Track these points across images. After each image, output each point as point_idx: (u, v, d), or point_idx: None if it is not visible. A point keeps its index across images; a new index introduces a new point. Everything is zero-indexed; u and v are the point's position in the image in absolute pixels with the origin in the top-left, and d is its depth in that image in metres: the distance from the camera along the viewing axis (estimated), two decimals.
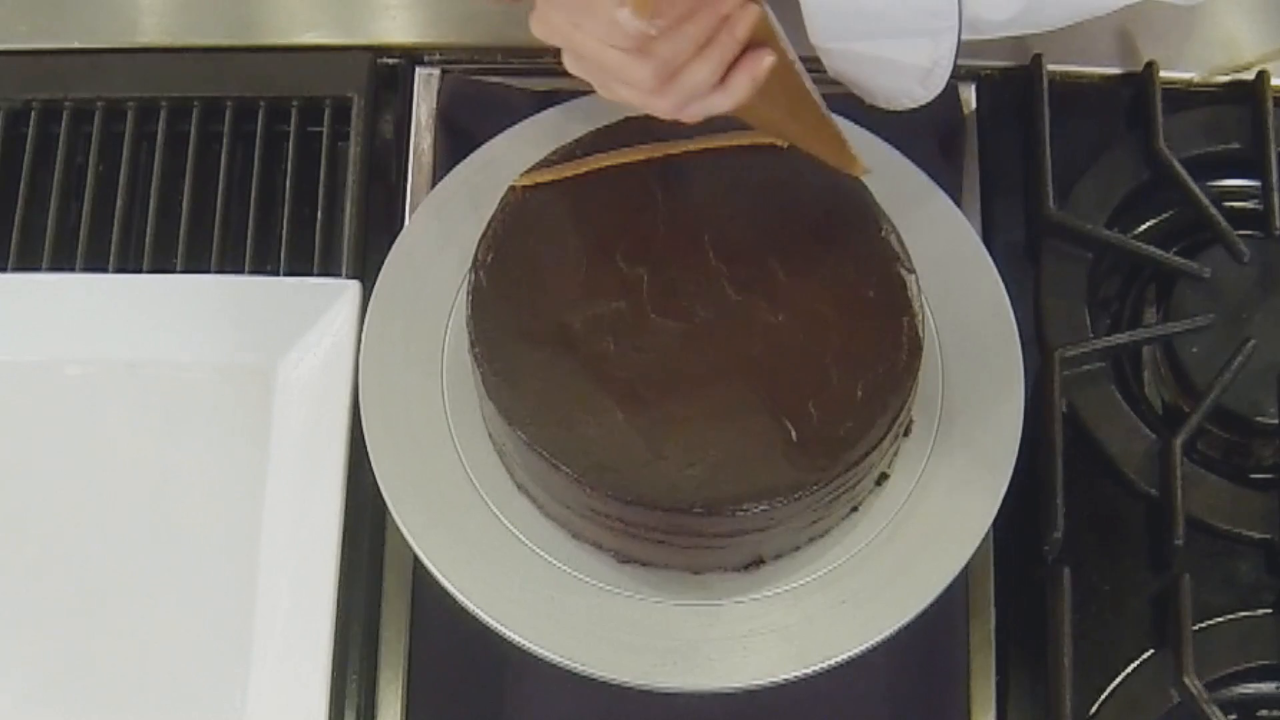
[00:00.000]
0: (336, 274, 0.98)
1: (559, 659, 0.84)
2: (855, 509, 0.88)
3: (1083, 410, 0.94)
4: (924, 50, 0.93)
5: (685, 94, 0.78)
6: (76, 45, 1.06)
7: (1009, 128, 1.03)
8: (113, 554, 0.92)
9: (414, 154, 1.02)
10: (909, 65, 0.94)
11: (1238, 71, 1.04)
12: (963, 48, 0.93)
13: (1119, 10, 0.96)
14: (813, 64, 0.96)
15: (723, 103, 0.79)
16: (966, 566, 0.87)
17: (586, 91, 0.97)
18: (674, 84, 0.77)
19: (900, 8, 0.90)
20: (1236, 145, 1.01)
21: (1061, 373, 0.93)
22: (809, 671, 0.84)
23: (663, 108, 0.79)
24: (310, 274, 0.99)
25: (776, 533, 0.84)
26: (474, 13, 1.06)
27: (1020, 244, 1.00)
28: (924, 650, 0.89)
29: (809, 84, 0.84)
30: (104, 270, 0.99)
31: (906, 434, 0.89)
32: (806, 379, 0.84)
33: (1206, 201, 0.98)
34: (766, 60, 0.78)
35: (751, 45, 0.78)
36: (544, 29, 0.79)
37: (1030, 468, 0.91)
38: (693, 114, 0.80)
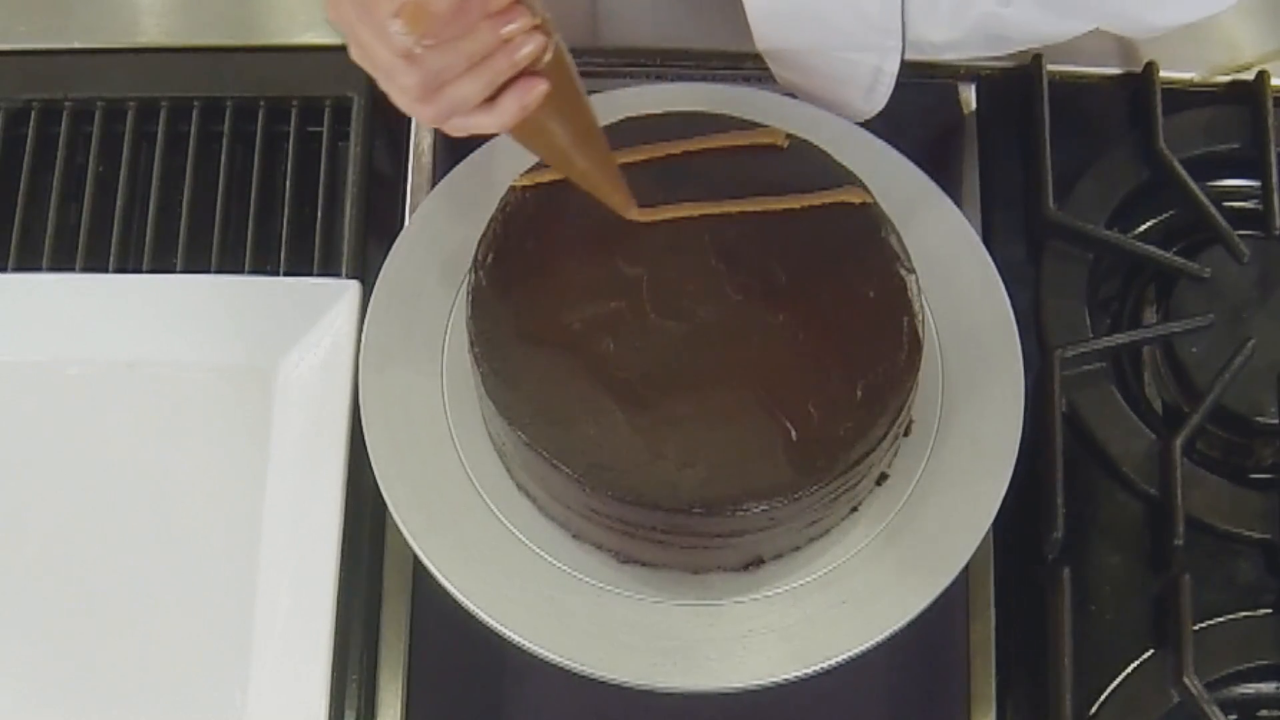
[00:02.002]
0: (336, 274, 0.98)
1: (559, 659, 0.84)
2: (855, 509, 0.88)
3: (1083, 410, 0.94)
4: (868, 65, 0.94)
5: (449, 107, 0.77)
6: (76, 45, 1.06)
7: (1009, 128, 1.03)
8: (113, 554, 0.92)
9: (414, 154, 1.02)
10: (853, 79, 0.95)
11: (1238, 71, 1.04)
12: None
13: None
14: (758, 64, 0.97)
15: (489, 123, 0.78)
16: (966, 566, 0.87)
17: (590, 91, 0.98)
18: (439, 95, 0.76)
19: (845, 21, 0.91)
20: (1236, 145, 1.01)
21: (1061, 373, 0.93)
22: (809, 671, 0.84)
23: (426, 116, 0.78)
24: (310, 274, 0.99)
25: (776, 533, 0.84)
26: None
27: (1020, 244, 1.00)
28: (924, 650, 0.90)
29: (595, 122, 0.83)
30: (104, 270, 0.99)
31: (906, 434, 0.89)
32: (806, 379, 0.84)
33: (1206, 201, 0.98)
34: (538, 88, 0.77)
35: (530, 72, 0.77)
36: (334, 14, 0.77)
37: (1030, 468, 0.91)
38: (457, 128, 0.79)
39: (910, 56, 0.95)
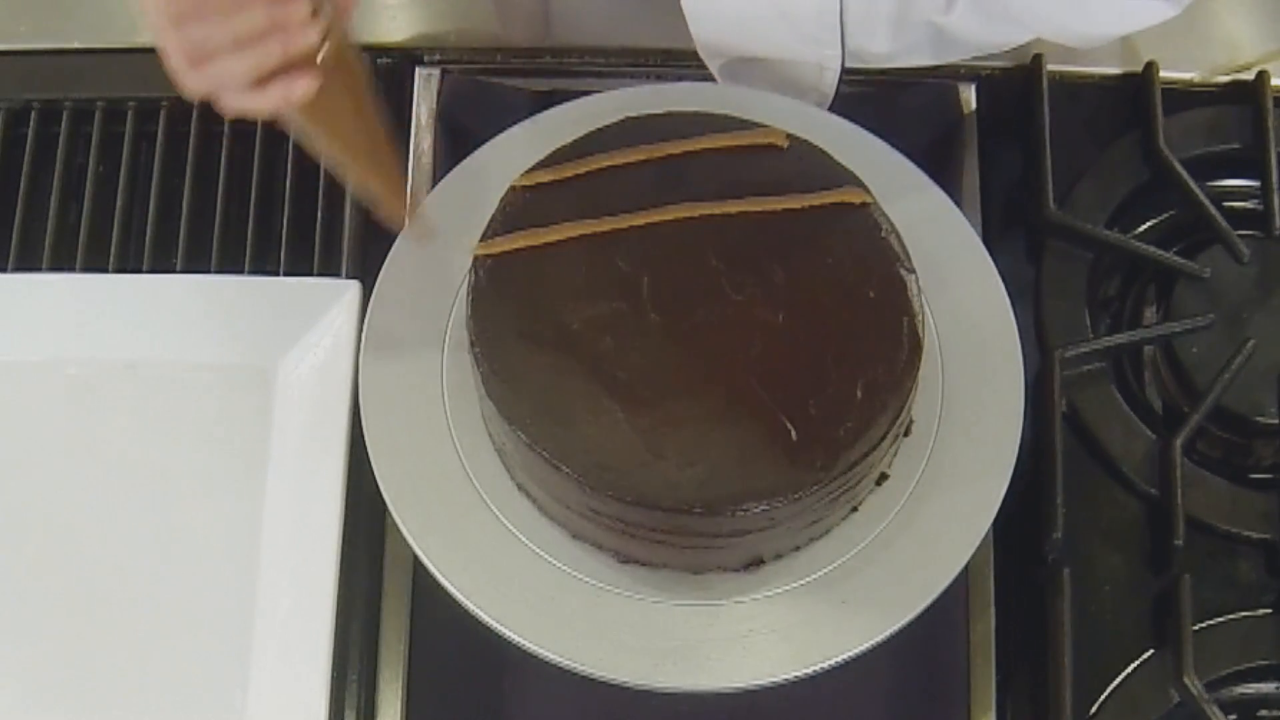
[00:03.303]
0: (336, 274, 0.98)
1: (559, 659, 0.84)
2: (855, 509, 0.88)
3: (1083, 410, 0.94)
4: (808, 76, 0.94)
5: (215, 82, 0.76)
6: (76, 45, 1.06)
7: (1009, 128, 1.03)
8: (113, 554, 0.92)
9: (414, 154, 1.01)
10: (797, 83, 0.95)
11: (1238, 71, 1.04)
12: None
13: None
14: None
15: (253, 105, 0.77)
16: (966, 566, 0.87)
17: (586, 92, 0.98)
18: (205, 68, 0.76)
19: (783, 33, 0.91)
20: (1236, 145, 1.01)
21: (1061, 373, 0.93)
22: (809, 671, 0.84)
23: (191, 87, 0.77)
24: (310, 274, 0.99)
25: (776, 533, 0.84)
26: (474, 13, 1.06)
27: (1020, 244, 1.00)
28: (924, 650, 0.90)
29: (379, 128, 0.83)
30: (104, 270, 0.99)
31: (906, 434, 0.89)
32: (806, 379, 0.84)
33: (1206, 201, 0.98)
34: (303, 84, 0.76)
35: (306, 66, 0.76)
36: None
37: (1030, 468, 0.91)
38: (226, 106, 0.78)
39: (850, 65, 0.95)
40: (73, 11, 1.07)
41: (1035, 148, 1.00)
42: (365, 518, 0.92)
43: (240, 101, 0.77)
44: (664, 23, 0.99)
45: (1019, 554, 0.92)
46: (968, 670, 0.90)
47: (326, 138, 0.82)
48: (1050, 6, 0.95)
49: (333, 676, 0.87)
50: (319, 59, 0.77)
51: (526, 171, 0.90)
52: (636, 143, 0.90)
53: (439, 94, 1.03)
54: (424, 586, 0.90)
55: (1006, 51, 1.01)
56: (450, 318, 0.91)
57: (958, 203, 0.96)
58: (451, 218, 0.94)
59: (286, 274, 0.99)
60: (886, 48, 0.95)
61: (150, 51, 1.05)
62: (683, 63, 1.03)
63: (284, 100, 0.77)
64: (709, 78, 1.01)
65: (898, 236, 0.88)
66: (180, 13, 0.74)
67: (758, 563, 0.86)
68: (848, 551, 0.87)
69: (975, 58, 1.01)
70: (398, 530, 0.88)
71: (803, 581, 0.86)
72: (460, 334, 0.88)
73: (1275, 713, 0.90)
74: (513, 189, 0.89)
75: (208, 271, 0.99)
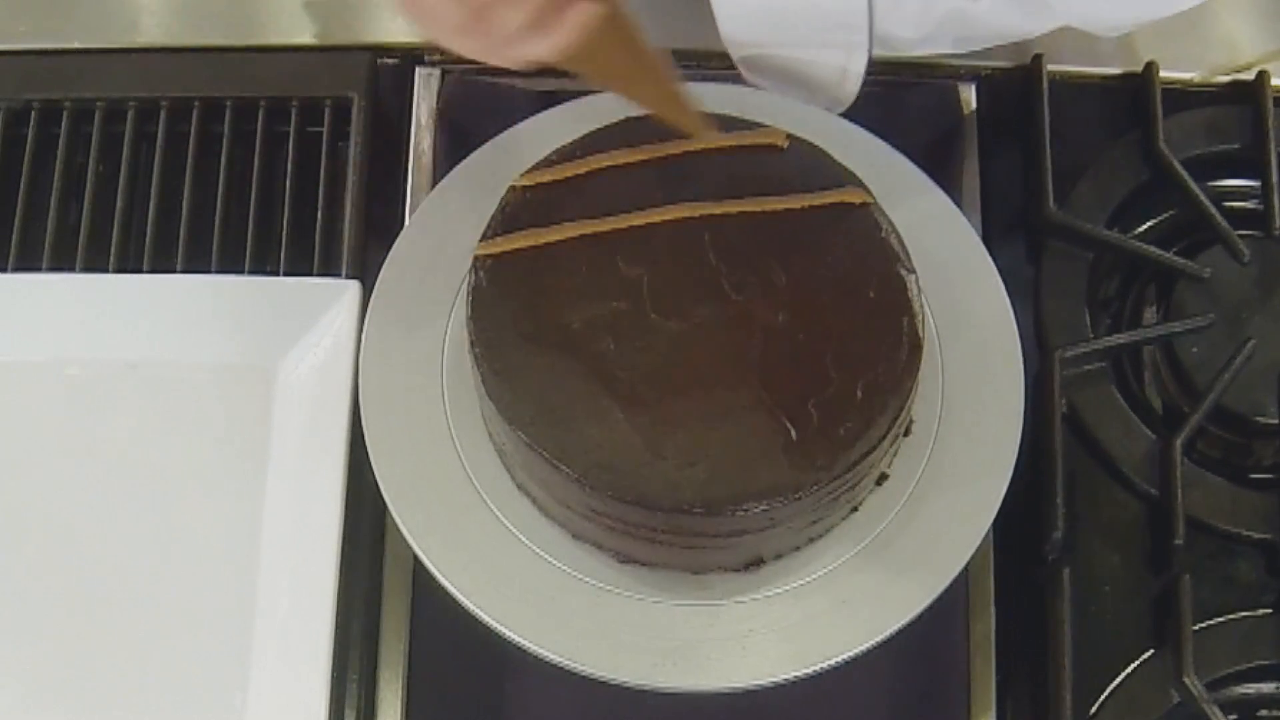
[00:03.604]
0: (336, 274, 0.98)
1: (559, 659, 0.84)
2: (855, 509, 0.88)
3: (1083, 410, 0.94)
4: (835, 63, 0.94)
5: (496, 36, 0.75)
6: (76, 45, 1.06)
7: (1009, 128, 1.03)
8: (113, 554, 0.92)
9: (414, 154, 1.02)
10: (820, 77, 0.95)
11: (1238, 71, 1.04)
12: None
13: None
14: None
15: (539, 49, 0.76)
16: (966, 566, 0.87)
17: (587, 92, 0.98)
18: (484, 25, 0.75)
19: (812, 18, 0.91)
20: (1236, 145, 1.01)
21: (1061, 373, 0.93)
22: (809, 671, 0.84)
23: (474, 49, 0.77)
24: (310, 274, 0.99)
25: (776, 533, 0.84)
26: None
27: (1020, 244, 1.00)
28: (924, 650, 0.89)
29: (653, 47, 0.81)
30: (104, 270, 0.99)
31: (906, 434, 0.89)
32: (806, 379, 0.84)
33: (1206, 201, 0.98)
34: (591, 10, 0.75)
35: None
36: None
37: (1030, 468, 0.91)
38: (512, 59, 0.77)
39: (878, 53, 0.95)
40: (73, 11, 1.07)
41: (1035, 148, 1.00)
42: (365, 518, 0.92)
43: (526, 50, 0.76)
44: (669, 22, 0.99)
45: (1019, 554, 0.92)
46: (968, 670, 0.90)
47: (608, 62, 0.80)
48: None
49: (333, 676, 0.87)
50: None
51: (526, 171, 0.90)
52: (636, 143, 0.90)
53: (439, 94, 1.03)
54: (424, 586, 0.90)
55: (1007, 52, 1.01)
56: (450, 318, 0.92)
57: (958, 203, 0.96)
58: (451, 218, 0.94)
59: (286, 274, 0.99)
60: (913, 34, 0.94)
61: (150, 51, 1.06)
62: (683, 63, 1.03)
63: (569, 31, 0.75)
64: (710, 78, 1.01)
65: (898, 236, 0.88)
66: None
67: (758, 563, 0.86)
68: (848, 551, 0.87)
69: (976, 58, 1.01)
70: (398, 530, 0.88)
71: (803, 581, 0.86)
72: (460, 334, 0.88)
73: (1275, 713, 0.90)
74: (513, 189, 0.89)
75: (208, 271, 0.99)
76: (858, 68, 0.94)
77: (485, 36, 0.76)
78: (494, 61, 0.78)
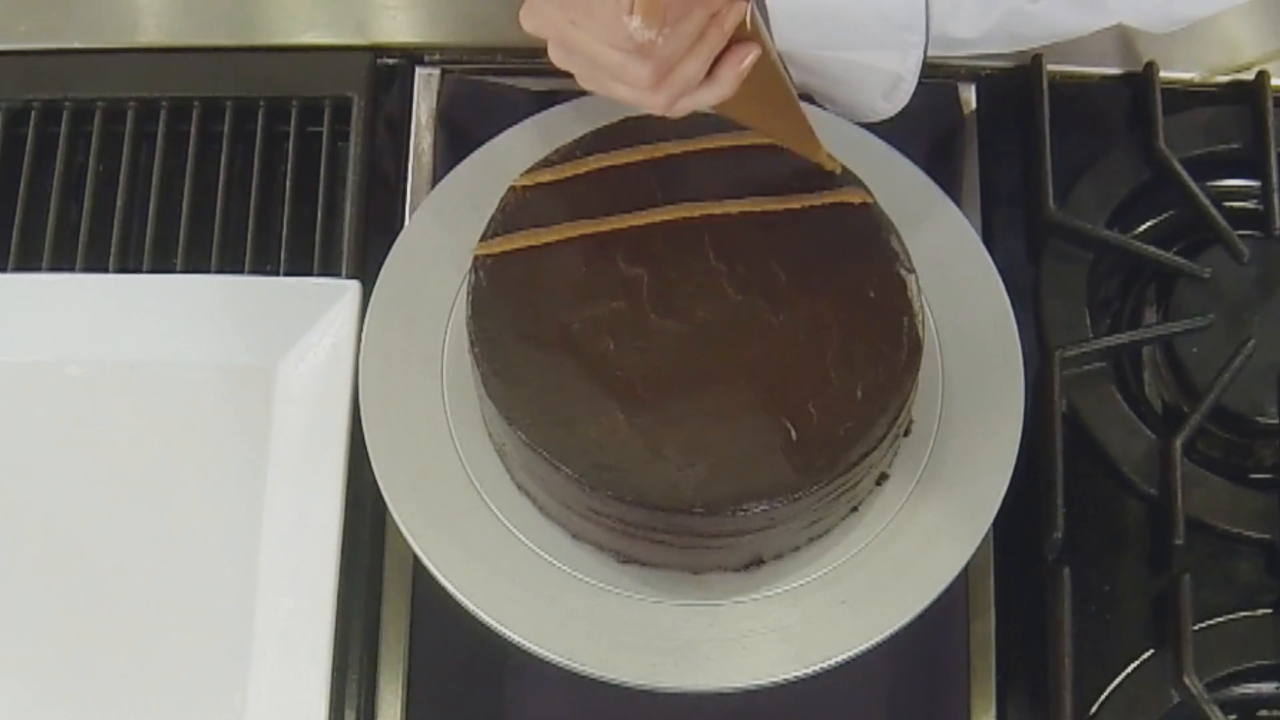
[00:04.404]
0: (336, 274, 0.98)
1: (559, 659, 0.84)
2: (855, 509, 0.88)
3: (1083, 410, 0.94)
4: (890, 64, 0.93)
5: (678, 89, 0.79)
6: (76, 45, 1.06)
7: (1009, 128, 1.03)
8: (113, 554, 0.92)
9: (414, 154, 1.02)
10: (874, 78, 0.95)
11: (1238, 71, 1.04)
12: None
13: None
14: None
15: (711, 96, 0.81)
16: (966, 566, 0.87)
17: (586, 92, 0.98)
18: (668, 81, 0.79)
19: (869, 19, 0.91)
20: (1236, 145, 1.01)
21: (1061, 373, 0.93)
22: (808, 671, 0.84)
23: (657, 104, 0.80)
24: (310, 274, 0.99)
25: (776, 533, 0.84)
26: (474, 13, 1.06)
27: (1020, 244, 1.00)
28: (924, 650, 0.89)
29: (788, 79, 0.85)
30: (104, 270, 0.99)
31: (906, 434, 0.89)
32: (806, 379, 0.84)
33: (1206, 201, 0.98)
34: (752, 54, 0.80)
35: (736, 40, 0.79)
36: (536, 22, 0.79)
37: (1030, 468, 0.91)
38: (683, 108, 0.81)
39: (933, 53, 0.94)
40: (73, 11, 1.07)
41: (1035, 148, 1.00)
42: (365, 518, 0.92)
43: (697, 98, 0.81)
44: None
45: (1019, 554, 0.92)
46: (968, 670, 0.90)
47: (759, 100, 0.84)
48: None
49: (333, 676, 0.87)
50: (748, 26, 0.79)
51: (526, 171, 0.90)
52: (636, 143, 0.90)
53: (439, 94, 1.03)
54: (424, 586, 0.90)
55: (1007, 52, 1.01)
56: (450, 318, 0.92)
57: (958, 203, 0.96)
58: (451, 218, 0.94)
59: (286, 274, 0.99)
60: (970, 33, 0.94)
61: (150, 51, 1.06)
62: None
63: (738, 76, 0.80)
64: None
65: (898, 236, 0.88)
66: (650, 41, 0.76)
67: (758, 563, 0.86)
68: (848, 551, 0.87)
69: (976, 58, 1.01)
70: (398, 530, 0.88)
71: (802, 581, 0.86)
72: (460, 334, 0.88)
73: (1275, 713, 0.90)
74: (513, 189, 0.89)
75: (208, 271, 0.99)
76: (913, 68, 0.94)
77: (668, 90, 0.79)
78: (670, 114, 0.81)
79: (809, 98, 0.96)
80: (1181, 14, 0.96)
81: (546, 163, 0.90)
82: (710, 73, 0.79)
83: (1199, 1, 0.95)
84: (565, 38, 0.78)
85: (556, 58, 0.80)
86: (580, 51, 0.79)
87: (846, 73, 0.95)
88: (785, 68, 0.85)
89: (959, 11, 0.92)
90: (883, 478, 0.88)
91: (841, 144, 0.92)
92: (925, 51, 0.92)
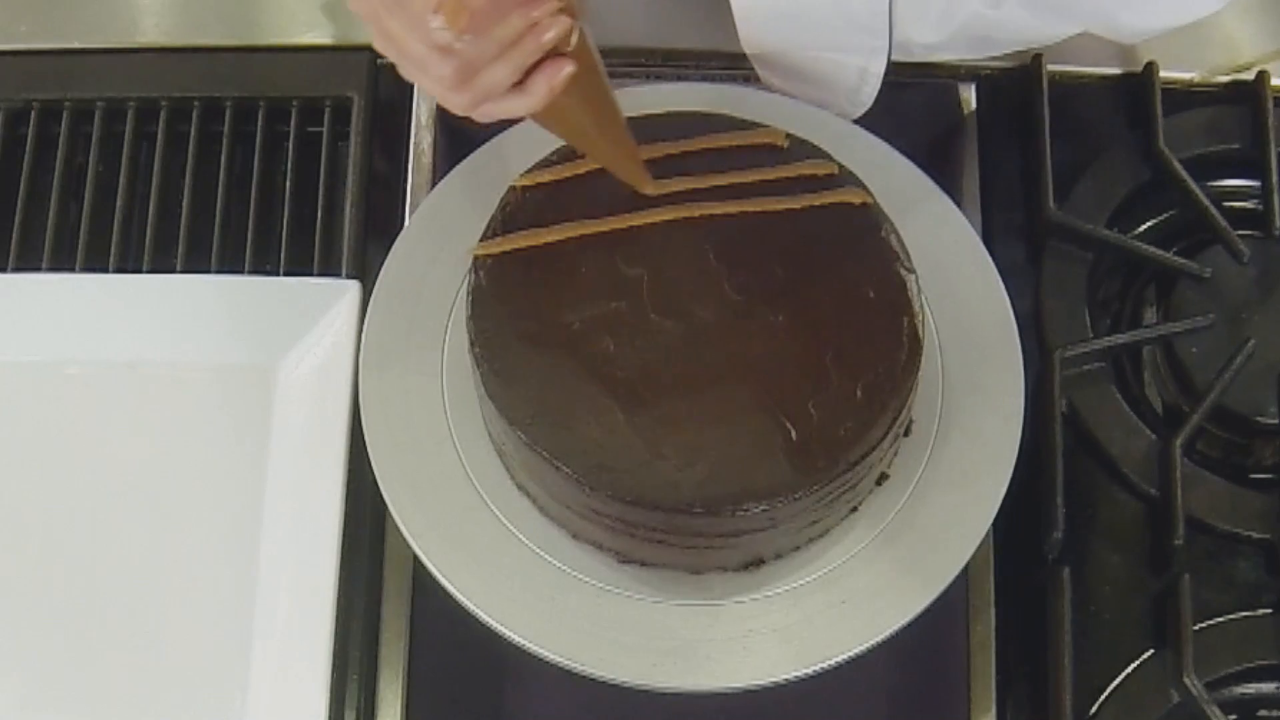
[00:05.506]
0: (336, 274, 0.98)
1: (559, 659, 0.84)
2: (855, 509, 0.88)
3: (1083, 410, 0.94)
4: (854, 67, 0.94)
5: (482, 93, 0.78)
6: (76, 45, 1.06)
7: (1009, 128, 1.03)
8: (113, 554, 0.92)
9: (414, 154, 1.02)
10: (838, 81, 0.95)
11: (1238, 71, 1.04)
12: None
13: None
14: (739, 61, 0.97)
15: (519, 106, 0.79)
16: (966, 566, 0.87)
17: None
18: (472, 83, 0.78)
19: (832, 22, 0.91)
20: (1236, 145, 1.01)
21: (1061, 373, 0.93)
22: (809, 671, 0.84)
23: (459, 104, 0.79)
24: (310, 274, 0.99)
25: (776, 533, 0.84)
26: None
27: (1020, 244, 1.00)
28: (924, 650, 0.90)
29: (615, 102, 0.84)
30: (104, 270, 0.99)
31: (906, 434, 0.89)
32: (806, 379, 0.84)
33: (1206, 201, 0.98)
34: (566, 69, 0.78)
35: (556, 54, 0.78)
36: (359, 6, 0.78)
37: (1030, 468, 0.91)
38: (488, 113, 0.80)
39: (896, 58, 0.95)
40: (73, 11, 1.07)
41: (1035, 148, 1.00)
42: (365, 518, 0.92)
43: (502, 106, 0.79)
44: (678, 23, 1.00)
45: (1019, 554, 0.92)
46: (968, 670, 0.90)
47: (575, 117, 0.83)
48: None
49: (333, 676, 0.87)
50: (571, 44, 0.78)
51: (526, 171, 0.90)
52: (637, 143, 0.90)
53: None
54: (424, 586, 0.90)
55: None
56: (450, 318, 0.92)
57: (958, 203, 0.96)
58: (451, 218, 0.94)
59: (286, 274, 0.99)
60: (933, 38, 0.95)
61: (150, 51, 1.06)
62: (683, 63, 1.03)
63: (549, 91, 0.78)
64: (710, 78, 1.01)
65: (898, 236, 0.88)
66: (450, 43, 0.75)
67: (758, 563, 0.86)
68: (848, 551, 0.87)
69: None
70: (398, 530, 0.88)
71: (803, 581, 0.86)
72: (460, 334, 0.88)
73: (1275, 713, 0.90)
74: (513, 189, 0.89)
75: (208, 271, 0.99)
76: (877, 71, 0.95)
77: (471, 92, 0.78)
78: (476, 117, 0.80)
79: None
80: (1141, 25, 0.97)
81: (546, 163, 0.90)
82: (522, 82, 0.78)
83: (1157, 14, 0.96)
84: (381, 24, 0.78)
85: (378, 43, 0.79)
86: (393, 39, 0.78)
87: (811, 73, 0.95)
88: (611, 90, 0.84)
89: (922, 16, 0.93)
90: (883, 478, 0.88)
91: (841, 144, 0.92)
92: (889, 57, 0.93)
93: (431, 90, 0.79)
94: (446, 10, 0.74)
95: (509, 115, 0.80)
